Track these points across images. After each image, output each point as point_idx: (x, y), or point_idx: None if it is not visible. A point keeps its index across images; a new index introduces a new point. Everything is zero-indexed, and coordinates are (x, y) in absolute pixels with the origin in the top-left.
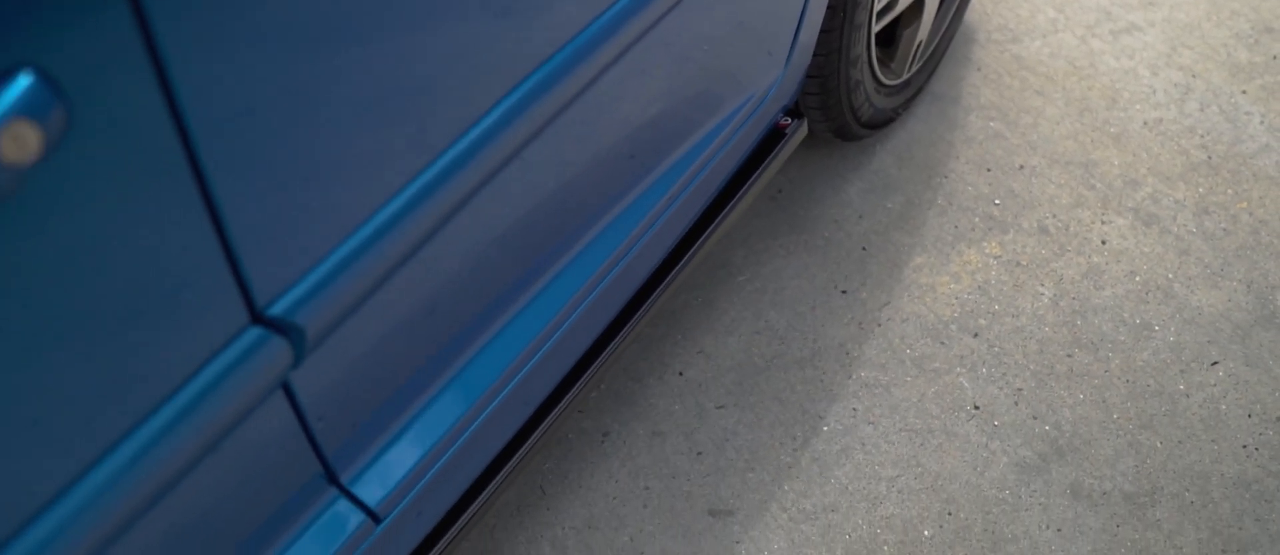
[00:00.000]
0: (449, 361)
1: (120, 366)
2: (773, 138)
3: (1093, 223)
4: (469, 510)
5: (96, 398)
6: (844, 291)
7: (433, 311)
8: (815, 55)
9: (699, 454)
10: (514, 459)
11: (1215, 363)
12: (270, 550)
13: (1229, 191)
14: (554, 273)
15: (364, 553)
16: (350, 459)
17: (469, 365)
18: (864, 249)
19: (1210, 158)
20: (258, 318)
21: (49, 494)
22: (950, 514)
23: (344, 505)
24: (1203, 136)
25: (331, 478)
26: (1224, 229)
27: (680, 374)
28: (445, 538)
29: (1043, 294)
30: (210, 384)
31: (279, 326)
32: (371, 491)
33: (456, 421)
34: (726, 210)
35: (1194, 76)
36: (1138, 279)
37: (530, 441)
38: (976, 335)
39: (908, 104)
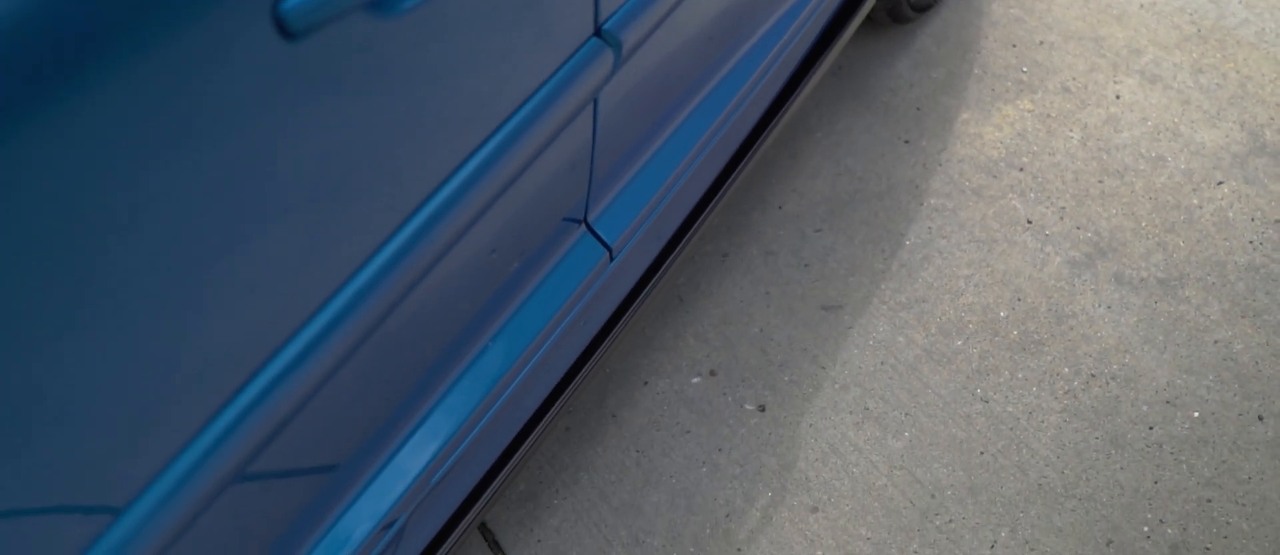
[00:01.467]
0: (662, 129)
1: (499, 63)
2: (849, 6)
3: (1106, 83)
4: (629, 309)
5: (467, 105)
6: (906, 141)
7: (667, 67)
8: None
9: (806, 266)
10: (663, 267)
11: (1221, 182)
12: (526, 288)
13: (1218, 56)
14: (717, 80)
15: (597, 288)
16: (599, 197)
17: (665, 143)
18: (918, 109)
19: (1199, 30)
20: (598, 30)
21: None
22: (1019, 300)
23: (589, 242)
24: (1191, 15)
25: (583, 216)
26: (1217, 84)
27: (780, 207)
28: (619, 324)
29: (1072, 137)
30: (557, 88)
31: (609, 39)
32: (610, 229)
33: (666, 179)
34: (820, 61)
35: None
36: (1149, 123)
37: (674, 254)
38: (1022, 169)
39: None
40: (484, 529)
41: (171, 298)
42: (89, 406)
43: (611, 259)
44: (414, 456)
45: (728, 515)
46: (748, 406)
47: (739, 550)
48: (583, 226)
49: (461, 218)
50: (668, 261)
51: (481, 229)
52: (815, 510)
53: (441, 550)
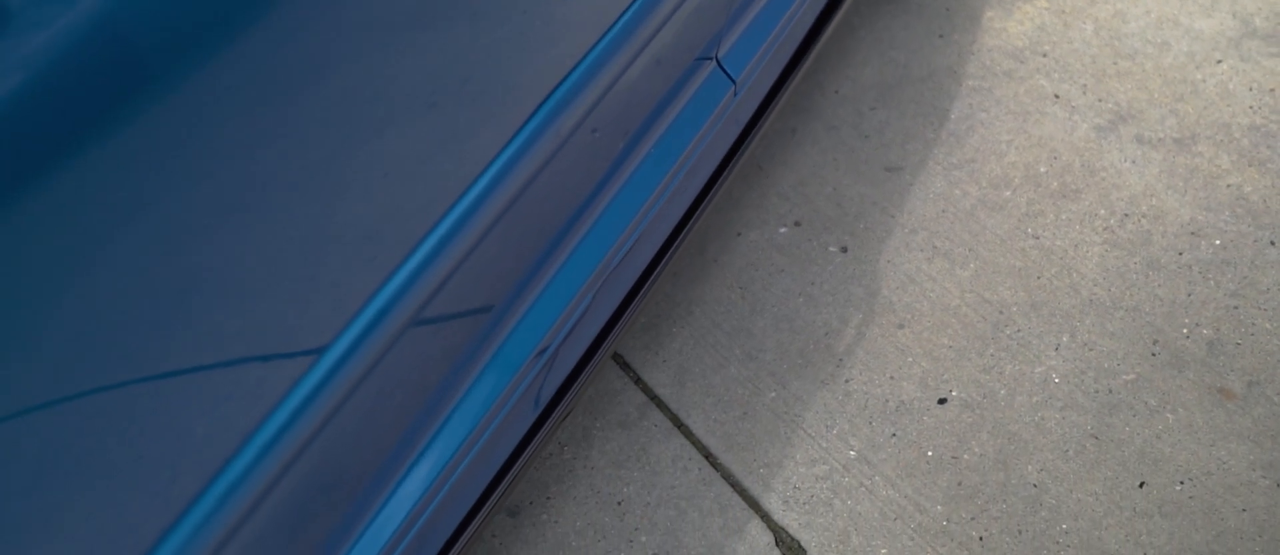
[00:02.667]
0: None
1: None
2: None
3: None
4: (722, 177)
5: None
6: (941, 36)
7: None
8: None
9: (866, 137)
10: (762, 119)
11: (1219, 61)
12: (665, 123)
13: None
14: None
15: (722, 121)
16: (728, 32)
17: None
18: (948, 9)
19: None
20: None
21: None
22: (1055, 158)
23: (717, 76)
24: None
25: (715, 52)
26: None
27: (836, 91)
28: (717, 186)
29: (1086, 28)
30: None
31: None
32: (736, 64)
33: (783, 15)
34: None
35: None
36: (1153, 15)
37: (758, 128)
38: (1045, 55)
39: None
40: (615, 356)
41: (375, 180)
42: (308, 261)
43: (736, 94)
44: (563, 290)
45: (826, 334)
46: (832, 249)
47: (840, 360)
48: (713, 63)
49: (641, 38)
50: (768, 111)
51: (647, 57)
52: (901, 326)
53: (584, 372)
